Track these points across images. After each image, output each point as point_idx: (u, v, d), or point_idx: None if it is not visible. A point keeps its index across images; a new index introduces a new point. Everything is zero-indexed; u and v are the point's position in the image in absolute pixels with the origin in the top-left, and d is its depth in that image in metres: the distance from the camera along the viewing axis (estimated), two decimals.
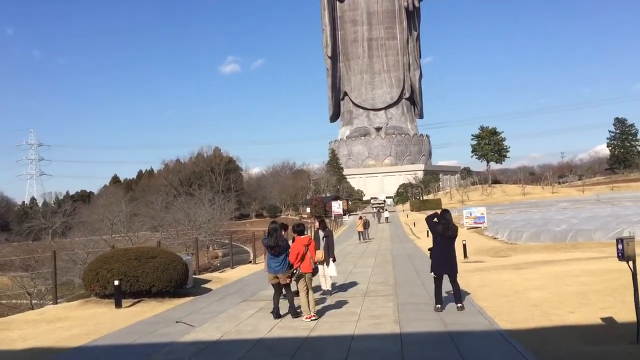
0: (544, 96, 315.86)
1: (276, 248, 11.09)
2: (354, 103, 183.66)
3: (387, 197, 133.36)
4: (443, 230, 10.90)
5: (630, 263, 7.28)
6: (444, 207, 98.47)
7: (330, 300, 13.18)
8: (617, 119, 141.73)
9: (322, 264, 14.01)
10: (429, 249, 11.46)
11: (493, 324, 9.39)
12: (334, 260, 13.96)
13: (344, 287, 15.37)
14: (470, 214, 46.15)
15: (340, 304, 12.45)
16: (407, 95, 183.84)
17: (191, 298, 14.85)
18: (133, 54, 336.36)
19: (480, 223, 44.68)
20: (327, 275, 13.99)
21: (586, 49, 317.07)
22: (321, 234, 14.12)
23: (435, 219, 11.22)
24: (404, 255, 26.33)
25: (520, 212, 61.54)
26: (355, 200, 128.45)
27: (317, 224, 14.25)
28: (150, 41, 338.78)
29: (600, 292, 11.56)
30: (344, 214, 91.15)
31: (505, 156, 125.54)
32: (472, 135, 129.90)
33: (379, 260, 24.51)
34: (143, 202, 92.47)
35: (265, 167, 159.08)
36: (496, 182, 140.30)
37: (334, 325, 10.22)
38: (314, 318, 10.68)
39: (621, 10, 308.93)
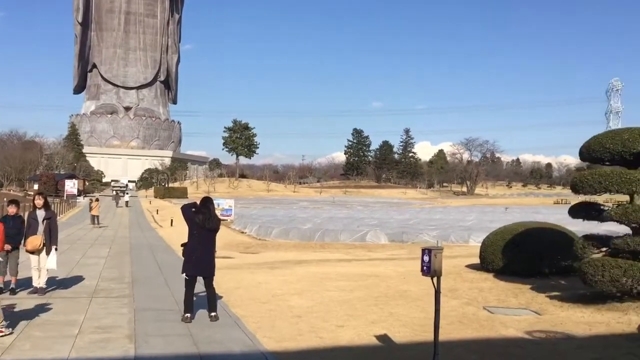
0: (293, 101, 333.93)
1: None
2: (103, 77, 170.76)
3: (130, 181, 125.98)
4: (203, 221, 8.80)
5: (435, 280, 6.09)
6: (190, 196, 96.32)
7: (43, 301, 10.07)
8: (355, 129, 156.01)
9: (38, 254, 10.79)
10: (182, 245, 9.22)
11: (255, 342, 7.57)
12: (56, 249, 10.85)
13: (65, 284, 12.23)
14: (218, 205, 44.73)
15: (56, 309, 9.47)
16: (162, 78, 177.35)
17: None
18: None
19: (227, 216, 43.55)
20: (44, 267, 10.80)
21: (331, 64, 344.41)
22: (40, 214, 10.84)
23: (194, 209, 9.07)
24: (145, 246, 23.49)
25: (265, 208, 62.51)
26: (93, 181, 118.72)
27: (36, 200, 10.91)
28: None
29: (363, 300, 10.61)
30: (79, 195, 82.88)
31: (255, 152, 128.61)
32: (225, 127, 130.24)
33: (115, 249, 21.32)
34: None
35: None
36: (243, 176, 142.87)
37: (40, 342, 7.36)
38: (6, 333, 7.63)
39: (362, 37, 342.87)
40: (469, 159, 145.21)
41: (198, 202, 9.20)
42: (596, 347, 7.25)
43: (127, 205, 71.45)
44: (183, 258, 9.07)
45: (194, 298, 9.15)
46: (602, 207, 10.52)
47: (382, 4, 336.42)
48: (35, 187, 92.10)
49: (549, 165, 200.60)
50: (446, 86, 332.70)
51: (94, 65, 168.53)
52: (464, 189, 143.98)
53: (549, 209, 65.97)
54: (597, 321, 8.76)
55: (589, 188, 9.70)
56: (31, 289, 10.98)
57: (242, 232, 31.10)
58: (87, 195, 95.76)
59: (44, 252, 10.74)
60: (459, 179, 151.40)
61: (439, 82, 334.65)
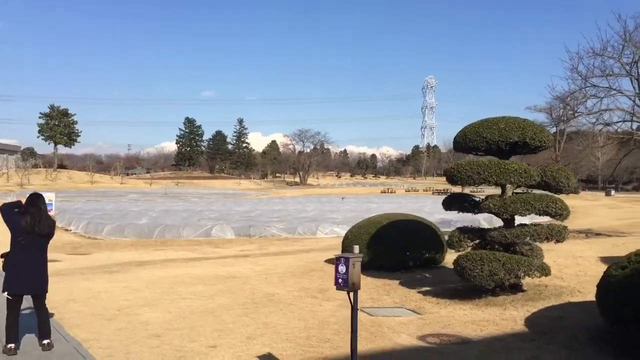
0: (116, 88, 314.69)
1: None
2: None
3: None
4: (32, 224, 6.87)
5: (352, 294, 5.01)
6: None
7: None
8: (187, 118, 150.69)
9: None
10: (1, 256, 7.16)
11: None
12: None
13: None
14: None
15: None
16: None
17: None
18: None
19: (47, 211, 39.02)
20: None
21: (158, 51, 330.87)
22: None
23: (17, 209, 7.08)
24: None
25: (90, 202, 57.58)
26: None
27: None
28: None
29: (229, 309, 9.29)
30: None
31: (76, 140, 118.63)
32: (41, 113, 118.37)
33: None
34: None
35: None
36: (62, 167, 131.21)
37: None
38: None
39: (193, 25, 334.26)
40: (301, 149, 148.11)
41: (23, 201, 7.20)
42: (499, 353, 6.74)
43: None
44: (3, 272, 7.03)
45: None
46: (475, 198, 10.30)
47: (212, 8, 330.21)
48: None
49: (373, 156, 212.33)
50: (277, 78, 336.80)
51: None
52: (297, 179, 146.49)
53: (380, 197, 69.15)
54: (482, 319, 8.38)
55: (467, 179, 9.34)
56: None
57: (67, 230, 27.68)
58: None
59: None
60: (292, 170, 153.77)
61: (269, 75, 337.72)
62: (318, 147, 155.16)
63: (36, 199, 7.13)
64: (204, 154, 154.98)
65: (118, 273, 13.58)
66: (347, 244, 13.42)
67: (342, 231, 24.91)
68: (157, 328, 8.04)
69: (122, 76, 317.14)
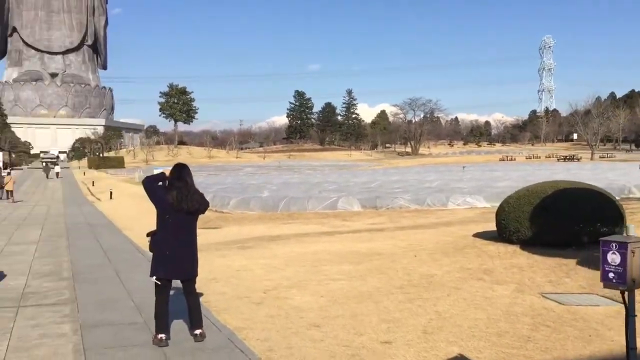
0: (228, 65, 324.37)
1: None
2: (24, 42, 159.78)
3: (61, 152, 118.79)
4: (179, 200, 6.05)
5: (628, 295, 3.61)
6: (128, 166, 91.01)
7: None
8: (297, 92, 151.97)
9: None
10: (148, 235, 6.42)
11: None
12: None
13: None
14: None
15: None
16: (89, 42, 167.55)
17: None
18: None
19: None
20: None
21: (268, 26, 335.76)
22: None
23: (162, 182, 6.29)
24: (84, 224, 20.25)
25: (211, 175, 59.19)
26: (20, 153, 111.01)
27: None
28: None
29: (387, 293, 8.15)
30: (5, 168, 76.62)
31: (194, 117, 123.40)
32: (161, 92, 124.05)
33: (48, 232, 18.05)
34: None
35: None
36: (182, 143, 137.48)
37: None
38: None
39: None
40: (412, 119, 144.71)
41: (167, 173, 6.39)
42: None
43: (57, 177, 67.46)
44: (151, 253, 6.30)
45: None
46: None
47: None
48: None
49: (487, 123, 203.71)
50: (381, 48, 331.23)
51: (14, 29, 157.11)
52: (408, 149, 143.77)
53: (501, 165, 65.59)
54: None
55: None
56: None
57: None
58: (15, 168, 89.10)
59: None
60: (402, 140, 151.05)
61: (372, 44, 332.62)
62: (428, 116, 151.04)
63: (182, 171, 6.29)
64: (314, 127, 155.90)
65: (253, 249, 12.93)
66: (501, 217, 11.81)
67: (476, 202, 23.12)
68: (313, 316, 7.05)
69: (231, 53, 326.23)
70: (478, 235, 12.97)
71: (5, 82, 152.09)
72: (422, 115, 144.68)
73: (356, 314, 7.05)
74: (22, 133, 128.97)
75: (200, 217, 20.06)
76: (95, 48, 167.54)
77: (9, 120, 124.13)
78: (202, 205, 6.28)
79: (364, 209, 22.20)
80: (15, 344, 6.12)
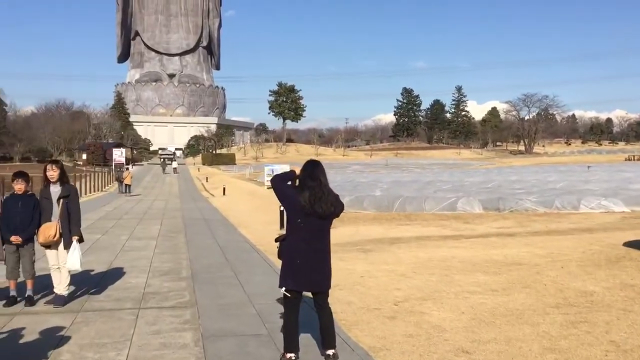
0: (334, 63, 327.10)
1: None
2: (146, 45, 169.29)
3: (177, 149, 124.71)
4: (311, 202, 5.30)
5: None
6: (239, 162, 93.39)
7: (64, 319, 6.87)
8: (405, 89, 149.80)
9: (55, 248, 7.58)
10: (276, 240, 5.72)
11: None
12: (79, 241, 7.56)
13: (103, 283, 9.07)
14: (272, 172, 41.48)
15: (82, 334, 6.23)
16: (204, 43, 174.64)
17: None
18: None
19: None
20: (64, 267, 7.54)
21: (372, 23, 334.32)
22: (55, 191, 7.55)
23: (292, 182, 5.59)
24: (200, 220, 20.42)
25: None
26: (141, 150, 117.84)
27: (48, 172, 7.52)
28: None
29: (543, 313, 7.00)
30: (127, 163, 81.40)
31: (302, 115, 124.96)
32: (270, 91, 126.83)
33: (167, 226, 18.28)
34: None
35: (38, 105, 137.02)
36: (290, 140, 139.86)
37: None
38: None
39: None
40: (526, 116, 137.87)
41: (297, 171, 5.68)
42: None
43: (175, 172, 70.86)
44: (281, 261, 5.62)
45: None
46: None
47: None
48: (84, 156, 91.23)
49: (608, 120, 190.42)
50: (488, 43, 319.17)
51: (137, 33, 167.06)
52: (520, 147, 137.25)
53: (629, 166, 60.40)
54: None
55: None
56: (50, 297, 7.78)
57: None
58: (136, 163, 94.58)
59: (62, 245, 7.48)
60: (514, 138, 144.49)
61: (480, 39, 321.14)
62: (542, 113, 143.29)
63: (315, 168, 5.55)
64: (422, 124, 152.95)
65: (373, 252, 12.10)
66: None
67: (613, 205, 20.93)
68: (459, 338, 6.08)
69: (336, 52, 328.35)
70: (631, 244, 11.34)
71: (129, 82, 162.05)
72: (536, 112, 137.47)
73: (510, 339, 5.99)
74: (142, 131, 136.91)
75: None
76: (210, 49, 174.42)
77: (132, 118, 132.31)
78: (337, 207, 5.51)
79: (486, 211, 20.72)
80: (136, 354, 5.66)
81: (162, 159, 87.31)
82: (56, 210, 7.44)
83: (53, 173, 7.44)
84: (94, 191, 40.36)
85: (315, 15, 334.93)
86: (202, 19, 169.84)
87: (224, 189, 37.81)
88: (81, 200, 33.18)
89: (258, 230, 16.99)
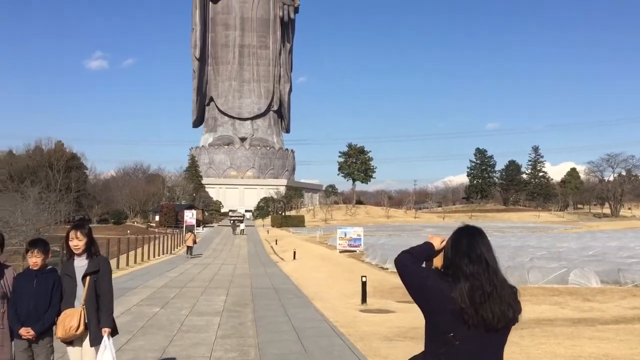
0: (401, 125, 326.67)
1: None
2: (219, 110, 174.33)
3: (247, 211, 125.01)
4: (472, 301, 3.01)
5: None
6: (308, 224, 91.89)
7: None
8: (478, 149, 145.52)
9: (79, 344, 5.52)
10: None
11: None
12: (111, 334, 5.46)
13: None
14: (345, 235, 39.31)
15: None
16: (275, 107, 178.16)
17: None
18: None
19: (355, 246, 37.98)
20: None
21: (442, 85, 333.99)
22: (80, 265, 5.53)
23: (434, 263, 3.33)
24: (270, 290, 18.26)
25: (392, 236, 56.53)
26: (212, 212, 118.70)
27: (71, 240, 5.50)
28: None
29: None
30: (198, 225, 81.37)
31: (372, 176, 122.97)
32: (340, 152, 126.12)
33: (234, 297, 16.21)
34: None
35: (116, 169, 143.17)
36: (359, 202, 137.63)
37: None
38: None
39: (471, 56, 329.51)
40: (610, 177, 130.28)
41: (437, 242, 3.43)
42: None
43: (242, 234, 70.78)
44: None
45: None
46: None
47: (492, 28, 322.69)
48: (157, 218, 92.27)
49: None
50: (565, 104, 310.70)
51: (211, 99, 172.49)
52: (605, 210, 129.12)
53: None
54: None
55: None
56: None
57: (384, 269, 25.21)
58: (206, 225, 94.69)
59: (88, 340, 5.41)
60: (597, 200, 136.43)
61: (555, 100, 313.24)
62: (625, 174, 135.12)
63: (473, 242, 3.27)
64: (497, 186, 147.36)
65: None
66: None
67: None
68: None
69: (404, 113, 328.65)
70: None
71: (202, 146, 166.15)
72: (621, 173, 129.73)
73: None
74: (214, 193, 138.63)
75: (397, 286, 16.18)
76: (280, 113, 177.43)
77: (204, 181, 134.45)
78: (516, 310, 3.18)
79: (604, 285, 17.51)
80: None
81: (232, 221, 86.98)
82: (81, 291, 5.44)
83: (78, 242, 5.45)
84: (163, 254, 39.30)
85: (384, 78, 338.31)
86: (273, 85, 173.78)
87: (294, 252, 35.78)
88: (149, 263, 31.56)
89: (337, 307, 14.64)
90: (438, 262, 3.44)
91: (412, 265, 3.30)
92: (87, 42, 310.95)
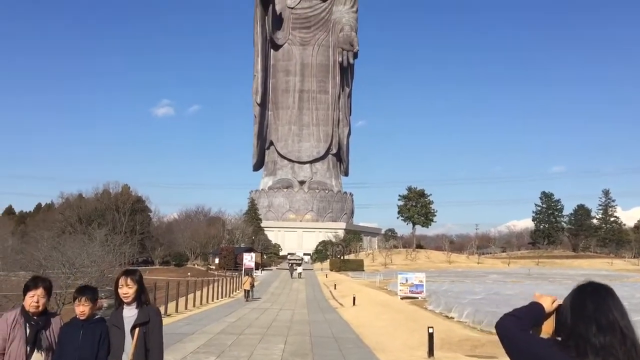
0: (462, 169, 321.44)
1: None
2: (279, 154, 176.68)
3: (305, 254, 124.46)
4: None
5: None
6: (367, 269, 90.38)
7: None
8: (544, 193, 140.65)
9: None
10: None
11: None
12: None
13: None
14: (406, 281, 38.01)
15: None
16: (334, 151, 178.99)
17: None
18: (53, 77, 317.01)
19: (417, 292, 36.57)
20: None
21: (502, 131, 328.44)
22: (129, 315, 5.04)
23: (543, 329, 2.60)
24: (330, 339, 17.44)
25: (455, 282, 54.37)
26: (271, 254, 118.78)
27: (121, 288, 5.05)
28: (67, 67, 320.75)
29: None
30: (257, 268, 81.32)
31: (432, 220, 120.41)
32: (400, 195, 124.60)
33: (292, 346, 15.49)
34: (34, 238, 79.50)
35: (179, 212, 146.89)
36: (419, 246, 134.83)
37: None
38: None
39: (529, 97, 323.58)
40: None
41: (544, 301, 2.72)
42: None
43: (300, 277, 70.61)
44: None
45: None
46: None
47: (553, 69, 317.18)
48: (217, 260, 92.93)
49: None
50: (636, 145, 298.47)
51: (271, 143, 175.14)
52: None
53: None
54: None
55: None
56: None
57: (449, 318, 23.88)
58: (265, 268, 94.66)
59: None
60: None
61: (625, 142, 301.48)
62: None
63: (602, 304, 2.55)
64: (564, 231, 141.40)
65: None
66: None
67: None
68: None
69: (465, 157, 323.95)
70: None
71: (262, 189, 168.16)
72: None
73: None
74: (273, 236, 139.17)
75: (466, 338, 14.87)
76: (339, 156, 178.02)
77: (263, 224, 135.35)
78: None
79: None
80: None
81: (290, 264, 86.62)
82: (129, 344, 4.94)
83: (128, 290, 4.99)
84: (222, 297, 39.06)
85: (445, 122, 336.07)
86: (332, 128, 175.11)
87: (354, 298, 34.77)
88: (207, 307, 31.07)
89: (399, 355, 13.70)
90: (547, 328, 2.75)
91: (520, 333, 2.61)
92: (155, 91, 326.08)
